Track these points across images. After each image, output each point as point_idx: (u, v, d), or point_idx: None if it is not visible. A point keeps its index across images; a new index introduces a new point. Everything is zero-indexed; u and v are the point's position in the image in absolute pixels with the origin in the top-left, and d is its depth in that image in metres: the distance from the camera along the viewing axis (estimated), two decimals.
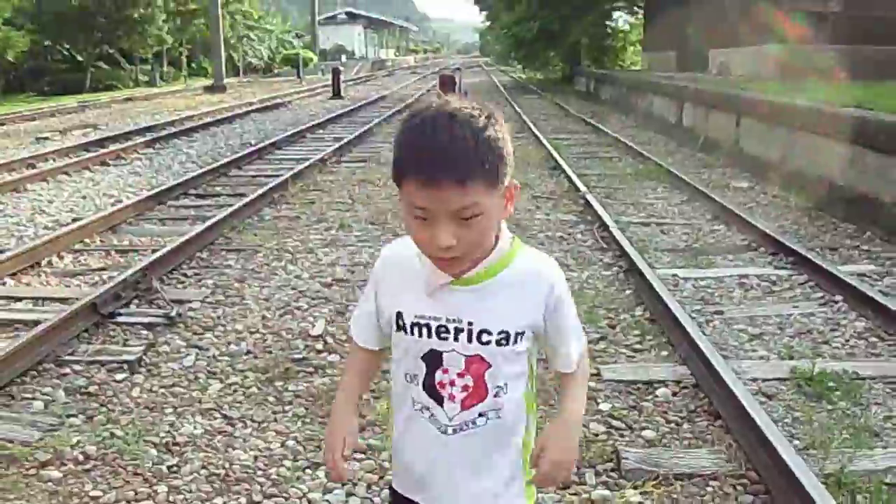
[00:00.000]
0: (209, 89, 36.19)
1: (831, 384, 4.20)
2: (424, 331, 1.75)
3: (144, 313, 5.53)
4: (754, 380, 4.28)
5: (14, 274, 6.56)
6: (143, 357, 4.74)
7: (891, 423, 3.88)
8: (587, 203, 8.66)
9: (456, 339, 1.73)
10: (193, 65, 50.62)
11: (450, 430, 1.76)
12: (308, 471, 3.44)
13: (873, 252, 7.02)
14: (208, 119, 20.52)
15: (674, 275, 6.22)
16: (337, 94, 28.27)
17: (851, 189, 8.29)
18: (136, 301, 5.75)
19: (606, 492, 3.25)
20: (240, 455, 3.62)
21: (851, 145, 8.34)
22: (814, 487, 3.01)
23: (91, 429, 3.89)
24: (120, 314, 5.49)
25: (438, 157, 1.54)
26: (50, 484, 3.43)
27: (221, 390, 4.30)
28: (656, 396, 4.14)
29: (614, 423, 3.85)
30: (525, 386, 1.79)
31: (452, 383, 1.75)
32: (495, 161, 1.58)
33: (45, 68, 36.32)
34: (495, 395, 1.74)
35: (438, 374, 1.75)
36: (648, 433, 3.76)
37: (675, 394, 4.17)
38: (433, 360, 1.75)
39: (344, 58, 67.23)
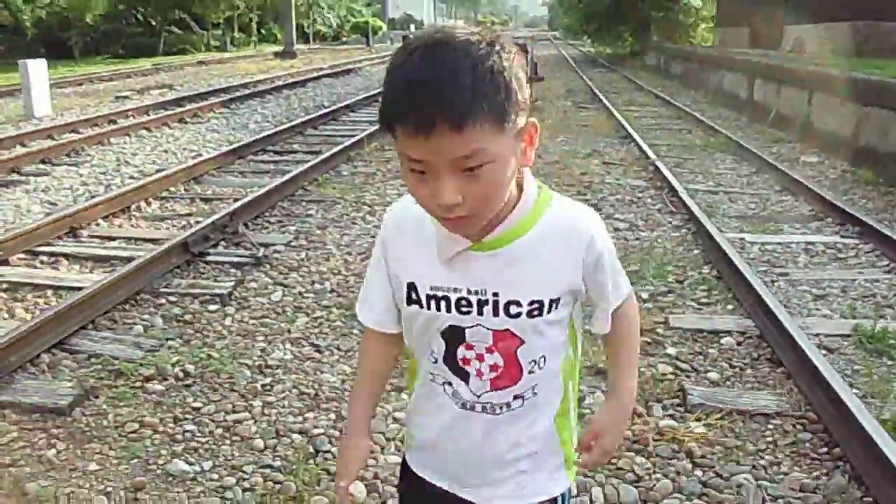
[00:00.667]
0: (280, 55, 36.66)
1: (892, 342, 4.33)
2: (443, 304, 1.48)
3: (233, 253, 5.86)
4: (817, 335, 4.42)
5: (106, 217, 6.93)
6: (234, 292, 5.05)
7: None
8: (657, 169, 8.78)
9: (480, 312, 1.46)
10: (263, 31, 51.25)
11: (478, 408, 1.54)
12: (393, 393, 3.70)
13: None
14: (280, 83, 20.87)
15: (741, 238, 6.35)
16: None
17: None
18: (223, 243, 6.07)
19: (672, 422, 3.46)
20: (328, 378, 3.89)
21: None
22: (874, 430, 3.16)
23: (188, 351, 4.20)
24: (209, 253, 5.82)
25: (429, 97, 1.23)
26: (154, 395, 3.75)
27: (307, 323, 4.59)
28: (721, 344, 4.32)
29: (681, 365, 4.04)
30: (563, 354, 1.55)
31: (480, 358, 1.50)
32: (501, 96, 1.26)
33: (120, 31, 37.10)
34: (530, 372, 1.51)
35: (461, 351, 1.50)
36: (713, 375, 3.96)
37: (739, 343, 4.35)
38: (454, 336, 1.50)
39: (413, 27, 67.31)
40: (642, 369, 3.94)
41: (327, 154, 9.36)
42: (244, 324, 4.58)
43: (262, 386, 3.82)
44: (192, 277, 5.37)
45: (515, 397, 1.51)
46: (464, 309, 1.46)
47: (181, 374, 3.92)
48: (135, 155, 10.37)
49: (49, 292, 5.16)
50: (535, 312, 1.44)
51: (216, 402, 3.67)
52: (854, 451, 3.20)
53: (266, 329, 4.50)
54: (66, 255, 5.94)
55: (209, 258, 5.74)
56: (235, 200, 7.15)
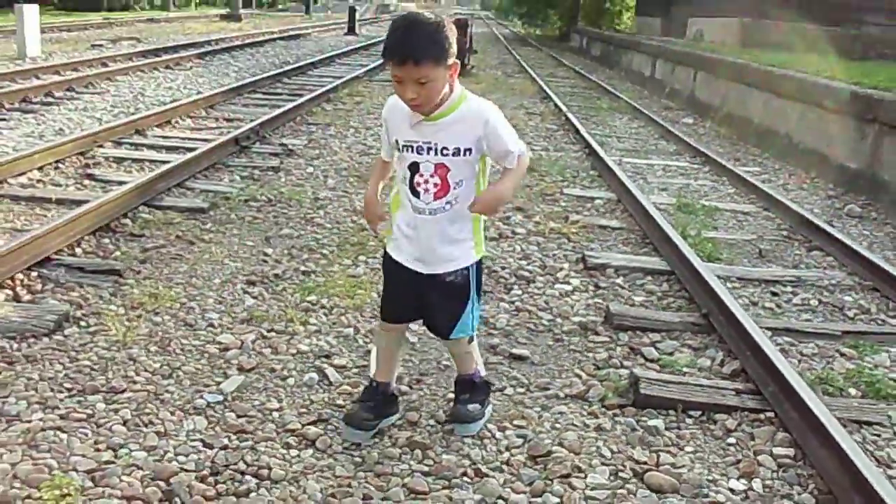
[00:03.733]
0: (225, 17, 38.34)
1: (697, 208, 7.07)
2: (411, 149, 2.81)
3: (268, 148, 8.35)
4: (654, 203, 7.07)
5: (159, 125, 9.31)
6: (280, 166, 7.55)
7: (725, 224, 6.74)
8: (567, 119, 11.50)
9: (428, 153, 2.78)
10: None
11: (427, 212, 2.83)
12: None
13: (765, 163, 9.89)
14: (240, 42, 22.94)
15: (620, 160, 9.07)
16: (352, 30, 30.71)
17: (762, 124, 11.15)
18: (258, 143, 8.53)
19: (559, 225, 6.14)
20: (357, 203, 6.43)
21: (766, 93, 11.19)
22: (677, 237, 5.76)
23: (265, 191, 6.70)
24: (252, 147, 8.30)
25: (403, 47, 2.61)
26: (254, 208, 6.23)
27: (336, 182, 7.15)
28: (594, 203, 7.05)
29: (568, 209, 6.75)
30: (474, 182, 2.87)
31: (426, 181, 2.80)
32: (440, 48, 2.62)
33: None
34: (454, 188, 2.81)
35: (417, 178, 2.81)
36: (586, 213, 6.68)
37: (605, 203, 7.08)
38: (413, 168, 2.81)
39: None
40: (547, 209, 6.62)
41: (311, 95, 11.84)
42: (294, 180, 7.13)
43: (320, 206, 6.37)
44: (247, 159, 7.86)
45: (447, 203, 2.84)
46: (420, 151, 2.80)
47: (266, 199, 6.44)
48: (144, 90, 12.57)
49: (146, 164, 7.54)
50: (457, 154, 2.79)
51: (296, 210, 6.20)
52: (664, 249, 5.84)
53: (310, 184, 7.04)
54: (144, 146, 8.33)
55: (253, 150, 8.23)
56: (252, 120, 9.56)
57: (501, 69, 20.10)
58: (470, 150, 2.81)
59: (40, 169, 7.01)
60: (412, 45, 2.61)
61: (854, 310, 4.95)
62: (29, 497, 2.64)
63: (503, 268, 5.20)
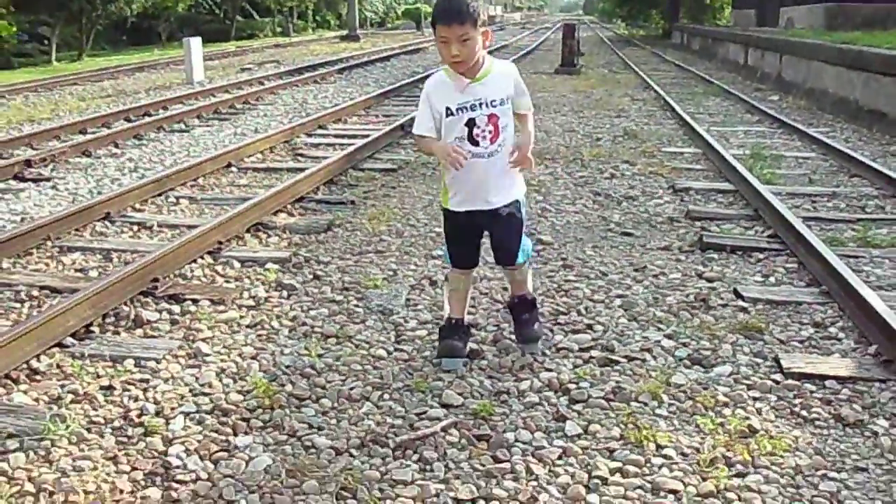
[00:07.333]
0: (345, 38, 40.86)
1: (765, 156, 9.00)
2: (465, 109, 3.40)
3: None
4: (733, 154, 9.02)
5: (335, 122, 11.77)
6: None
7: (787, 165, 8.68)
8: (666, 102, 13.51)
9: (481, 108, 3.40)
10: (318, 18, 56.00)
11: (486, 155, 3.44)
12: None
13: (834, 125, 11.68)
14: (367, 59, 25.27)
15: (708, 128, 11.03)
16: None
17: (836, 94, 12.92)
18: None
19: (656, 169, 8.23)
20: None
21: (838, 67, 12.96)
22: (755, 182, 7.78)
23: (432, 161, 8.95)
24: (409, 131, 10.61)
25: (450, 12, 3.25)
26: (431, 168, 8.49)
27: None
28: (684, 156, 9.10)
29: (665, 161, 8.78)
30: (512, 125, 3.51)
31: (483, 131, 3.42)
32: (476, 13, 3.26)
33: (194, 19, 41.55)
34: (503, 132, 3.45)
35: (475, 130, 3.42)
36: (677, 162, 8.71)
37: (692, 156, 9.11)
38: (470, 123, 3.41)
39: None
40: (647, 161, 8.71)
41: None
42: None
43: None
44: (409, 139, 10.18)
45: (499, 145, 3.49)
46: (474, 108, 3.42)
47: (437, 162, 8.68)
48: (305, 100, 15.02)
49: (336, 146, 9.91)
50: (502, 103, 3.46)
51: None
52: (732, 178, 7.86)
53: None
54: (329, 135, 10.77)
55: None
56: (405, 115, 11.86)
57: (608, 67, 22.10)
58: (510, 97, 3.52)
59: (261, 153, 9.46)
60: (456, 10, 3.29)
61: (872, 209, 6.88)
62: (357, 285, 4.93)
63: (615, 192, 7.33)
